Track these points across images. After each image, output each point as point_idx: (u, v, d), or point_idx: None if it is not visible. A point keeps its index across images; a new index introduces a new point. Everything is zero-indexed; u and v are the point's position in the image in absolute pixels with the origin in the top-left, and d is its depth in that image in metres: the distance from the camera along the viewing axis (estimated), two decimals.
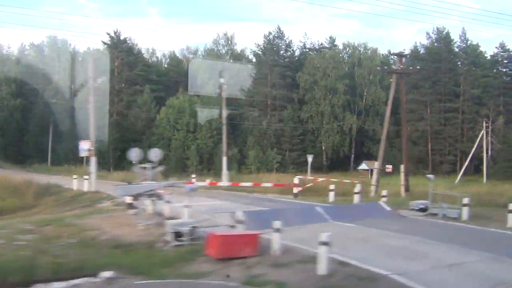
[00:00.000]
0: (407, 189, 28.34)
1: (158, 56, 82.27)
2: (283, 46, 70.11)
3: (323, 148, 66.92)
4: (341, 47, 77.34)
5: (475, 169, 67.37)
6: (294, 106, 66.00)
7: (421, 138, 69.56)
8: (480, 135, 59.31)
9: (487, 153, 65.54)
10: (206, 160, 59.57)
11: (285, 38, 69.72)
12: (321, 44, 77.59)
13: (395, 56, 37.07)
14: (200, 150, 59.64)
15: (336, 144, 65.81)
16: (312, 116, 65.34)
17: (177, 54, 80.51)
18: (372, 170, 64.74)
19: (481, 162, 67.52)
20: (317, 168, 65.12)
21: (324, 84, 64.73)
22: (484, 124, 59.13)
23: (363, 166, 63.54)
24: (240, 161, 59.61)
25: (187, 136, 59.79)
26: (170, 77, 74.97)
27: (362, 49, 74.32)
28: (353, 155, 72.76)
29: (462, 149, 67.49)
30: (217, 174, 55.68)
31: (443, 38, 70.39)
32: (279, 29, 69.15)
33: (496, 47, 72.87)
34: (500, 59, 72.86)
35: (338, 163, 67.89)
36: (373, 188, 28.66)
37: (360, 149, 73.34)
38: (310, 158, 36.29)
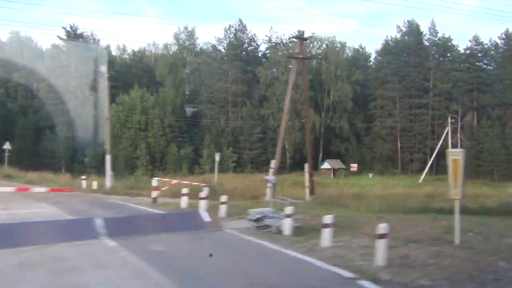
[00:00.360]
0: (312, 192, 25.22)
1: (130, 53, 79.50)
2: (246, 40, 67.09)
3: (286, 146, 63.80)
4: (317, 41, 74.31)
5: (447, 167, 64.43)
6: (254, 103, 63.03)
7: (390, 135, 66.62)
8: (445, 132, 56.32)
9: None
10: (159, 159, 56.60)
11: (247, 32, 66.75)
12: (290, 38, 74.71)
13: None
14: (152, 149, 56.70)
15: (298, 142, 62.69)
16: (273, 113, 62.30)
17: (146, 50, 77.63)
18: (334, 170, 62.03)
19: None
20: (279, 168, 62.20)
21: (285, 79, 61.52)
22: (449, 120, 56.13)
23: (326, 165, 60.51)
24: (194, 161, 56.59)
25: (138, 135, 56.78)
26: (133, 74, 71.91)
27: (329, 43, 71.20)
28: (321, 154, 69.82)
29: (432, 147, 64.41)
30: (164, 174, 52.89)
31: (413, 31, 67.40)
32: (241, 22, 66.21)
33: (469, 41, 69.93)
34: (474, 53, 69.83)
35: (303, 162, 64.74)
36: (268, 191, 25.09)
37: (328, 147, 70.44)
38: (217, 157, 33.27)
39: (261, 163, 60.08)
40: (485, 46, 69.27)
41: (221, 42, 66.42)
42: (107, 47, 74.75)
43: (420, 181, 54.42)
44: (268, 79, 62.54)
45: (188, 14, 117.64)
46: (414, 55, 65.55)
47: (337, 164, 61.45)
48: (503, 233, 11.52)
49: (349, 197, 26.11)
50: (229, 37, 65.30)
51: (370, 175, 61.71)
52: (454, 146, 62.72)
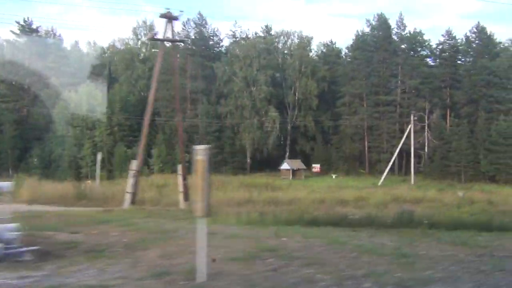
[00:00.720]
0: (186, 198, 22.13)
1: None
2: (207, 35, 63.99)
3: (247, 146, 60.83)
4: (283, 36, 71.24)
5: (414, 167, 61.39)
6: (211, 100, 59.96)
7: (357, 134, 63.53)
8: (407, 131, 53.27)
9: (422, 149, 59.66)
10: (106, 160, 53.46)
11: (207, 26, 63.66)
12: (256, 33, 71.71)
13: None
14: (100, 149, 53.56)
15: (257, 141, 59.72)
16: (231, 111, 59.25)
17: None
18: (293, 170, 58.87)
19: (421, 159, 61.69)
20: (239, 168, 59.34)
21: (244, 75, 58.60)
22: (412, 118, 53.06)
23: (285, 165, 57.38)
24: (144, 161, 53.28)
25: (85, 133, 53.77)
26: (90, 70, 68.79)
27: (296, 38, 68.13)
28: (288, 153, 66.78)
29: (402, 146, 61.36)
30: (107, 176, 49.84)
31: (382, 25, 64.25)
32: (201, 16, 63.13)
33: (442, 35, 66.77)
34: (446, 48, 66.66)
35: (267, 162, 61.81)
36: (127, 197, 22.05)
37: (293, 146, 67.39)
38: (99, 157, 30.20)
39: (218, 164, 57.01)
40: (458, 40, 66.06)
41: (179, 37, 63.02)
42: (76, 43, 72.02)
43: (380, 182, 51.35)
44: (227, 75, 59.44)
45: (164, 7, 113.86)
46: (382, 50, 62.43)
47: (297, 164, 58.32)
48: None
49: (245, 203, 23.15)
50: (187, 31, 62.22)
51: (334, 176, 58.68)
52: (422, 145, 60.02)
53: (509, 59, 56.56)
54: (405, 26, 63.48)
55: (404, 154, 62.93)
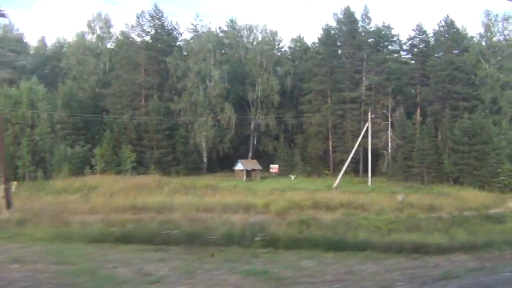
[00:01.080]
0: (8, 205, 18.84)
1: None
2: (161, 28, 60.75)
3: (203, 145, 57.69)
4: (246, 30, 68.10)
5: (378, 168, 58.36)
6: (164, 96, 56.81)
7: (320, 133, 60.34)
8: (363, 129, 50.16)
9: (387, 149, 56.54)
10: (46, 160, 50.42)
11: (163, 19, 60.42)
12: (220, 27, 68.65)
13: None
14: (40, 147, 50.57)
15: (212, 140, 56.59)
16: (184, 108, 56.08)
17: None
18: (247, 171, 55.61)
19: (384, 160, 58.53)
20: (193, 169, 56.19)
21: (198, 70, 55.43)
22: (369, 116, 49.94)
23: (239, 166, 54.17)
24: (85, 161, 50.30)
25: (24, 131, 50.61)
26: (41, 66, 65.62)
27: (260, 32, 64.96)
28: (251, 153, 63.73)
29: (364, 146, 58.22)
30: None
31: (348, 19, 61.03)
32: (156, 8, 59.86)
33: (413, 30, 63.54)
34: (416, 43, 63.53)
35: (226, 162, 58.42)
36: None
37: (255, 146, 64.28)
38: None
39: (168, 163, 54.01)
40: (429, 35, 62.85)
41: (134, 30, 59.97)
42: (20, 37, 68.91)
43: (335, 184, 48.19)
44: (180, 70, 56.24)
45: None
46: (347, 44, 59.32)
47: (252, 164, 55.10)
48: None
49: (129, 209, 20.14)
50: (140, 24, 58.98)
51: (292, 177, 55.49)
52: (385, 145, 56.88)
53: (477, 53, 53.32)
54: (370, 20, 60.30)
55: (370, 154, 59.95)
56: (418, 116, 58.56)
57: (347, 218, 22.87)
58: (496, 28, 53.33)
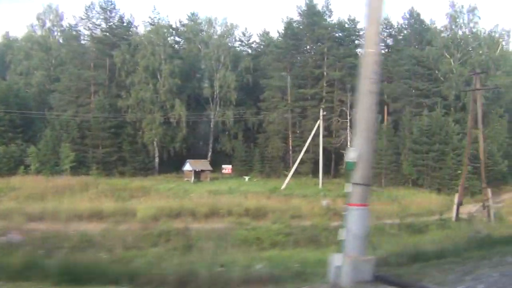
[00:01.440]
0: None
1: None
2: (114, 21, 57.67)
3: (154, 144, 54.54)
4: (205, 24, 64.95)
5: (337, 170, 55.30)
6: (112, 93, 53.72)
7: (280, 132, 57.15)
8: (315, 127, 46.98)
9: (344, 149, 53.13)
10: None
11: (115, 11, 57.30)
12: (180, 20, 65.50)
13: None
14: None
15: (162, 139, 53.47)
16: (132, 105, 52.94)
17: None
18: (196, 171, 52.40)
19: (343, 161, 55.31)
20: (142, 169, 53.08)
21: (146, 65, 52.27)
22: (321, 114, 46.75)
23: (187, 166, 50.97)
24: (18, 161, 47.18)
25: None
26: None
27: (219, 26, 61.80)
28: (210, 153, 60.55)
29: (325, 145, 55.06)
30: None
31: (310, 12, 57.80)
32: None
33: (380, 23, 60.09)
34: (383, 37, 60.20)
35: (178, 163, 55.18)
36: None
37: (214, 145, 61.07)
38: None
39: (112, 163, 50.94)
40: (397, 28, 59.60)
41: (83, 22, 56.86)
42: None
43: (283, 186, 45.01)
44: (129, 65, 53.13)
45: None
46: (307, 39, 56.14)
47: (202, 165, 51.91)
48: None
49: None
50: (88, 16, 55.87)
51: (246, 178, 52.38)
52: (344, 144, 53.63)
53: (442, 47, 50.01)
54: (331, 13, 57.08)
55: (333, 154, 56.86)
56: (386, 114, 55.42)
57: (230, 227, 19.76)
58: (461, 20, 50.02)
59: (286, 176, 56.48)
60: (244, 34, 70.49)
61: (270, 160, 57.43)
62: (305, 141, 56.51)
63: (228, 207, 25.38)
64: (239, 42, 67.86)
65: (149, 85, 52.62)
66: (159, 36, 52.89)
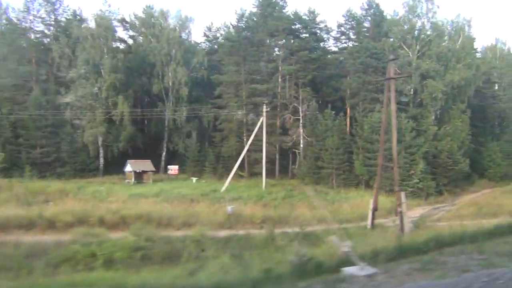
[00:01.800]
0: None
1: None
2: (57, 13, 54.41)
3: (99, 143, 51.34)
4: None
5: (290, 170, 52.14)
6: (51, 89, 50.50)
7: (233, 131, 53.93)
8: (258, 125, 43.78)
9: (296, 148, 50.21)
10: None
11: (59, 2, 54.05)
12: (135, 14, 62.23)
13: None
14: None
15: (104, 138, 50.28)
16: (71, 102, 49.71)
17: None
18: (137, 172, 49.18)
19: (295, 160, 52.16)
20: (82, 170, 49.86)
21: (86, 59, 49.05)
22: (264, 110, 43.52)
23: (128, 167, 47.75)
24: None
25: None
26: None
27: (171, 18, 58.45)
28: (164, 153, 57.35)
29: (278, 144, 51.98)
30: None
31: (265, 3, 54.54)
32: None
33: (343, 15, 57.19)
34: (345, 30, 57.11)
35: (118, 162, 51.67)
36: None
37: (169, 145, 57.81)
38: None
39: (49, 165, 47.71)
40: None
41: (22, 14, 53.52)
42: None
43: (223, 188, 41.79)
44: (69, 60, 49.93)
45: None
46: (260, 31, 52.89)
47: (144, 165, 48.65)
48: None
49: None
50: (28, 8, 52.60)
51: (194, 179, 49.22)
52: (296, 143, 50.57)
53: (399, 39, 46.75)
54: (286, 3, 53.71)
55: (290, 153, 53.73)
56: (349, 111, 52.20)
57: (69, 240, 16.65)
58: (419, 10, 46.69)
59: (241, 176, 53.54)
60: (209, 29, 67.82)
61: (226, 160, 54.25)
62: (260, 140, 53.38)
63: (101, 214, 22.19)
64: (205, 37, 65.12)
65: (90, 80, 49.42)
66: (100, 29, 49.61)
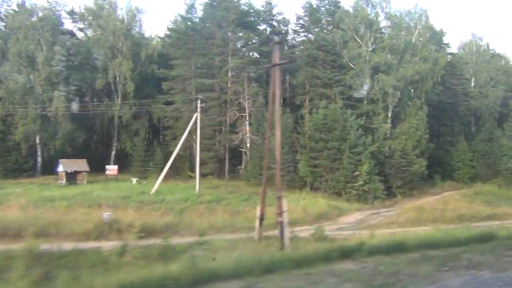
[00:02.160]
0: None
1: None
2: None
3: (37, 141, 48.18)
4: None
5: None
6: None
7: (182, 129, 50.51)
8: (191, 123, 40.54)
9: (242, 147, 47.02)
10: None
11: None
12: (86, 5, 59.00)
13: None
14: None
15: (39, 136, 47.09)
16: (4, 97, 46.51)
17: None
18: (68, 173, 45.91)
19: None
20: (16, 170, 46.58)
21: (18, 51, 45.84)
22: (199, 105, 40.25)
23: (60, 167, 44.49)
24: None
25: None
26: None
27: (120, 10, 55.13)
28: (114, 152, 54.21)
29: (228, 143, 48.81)
30: None
31: None
32: None
33: (301, 7, 53.97)
34: (304, 23, 53.90)
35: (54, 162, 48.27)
36: None
37: (118, 144, 54.60)
38: None
39: None
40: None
41: None
42: None
43: (153, 190, 38.52)
44: (0, 51, 46.76)
45: None
46: (208, 22, 49.71)
47: (77, 165, 45.35)
48: None
49: None
50: None
51: (134, 180, 46.04)
52: (242, 142, 47.38)
53: (351, 30, 43.50)
54: None
55: (243, 152, 50.55)
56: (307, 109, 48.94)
57: None
58: None
59: (190, 177, 50.37)
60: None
61: (176, 160, 50.96)
62: (207, 138, 50.17)
63: None
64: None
65: (23, 74, 46.21)
66: (33, 19, 46.40)
